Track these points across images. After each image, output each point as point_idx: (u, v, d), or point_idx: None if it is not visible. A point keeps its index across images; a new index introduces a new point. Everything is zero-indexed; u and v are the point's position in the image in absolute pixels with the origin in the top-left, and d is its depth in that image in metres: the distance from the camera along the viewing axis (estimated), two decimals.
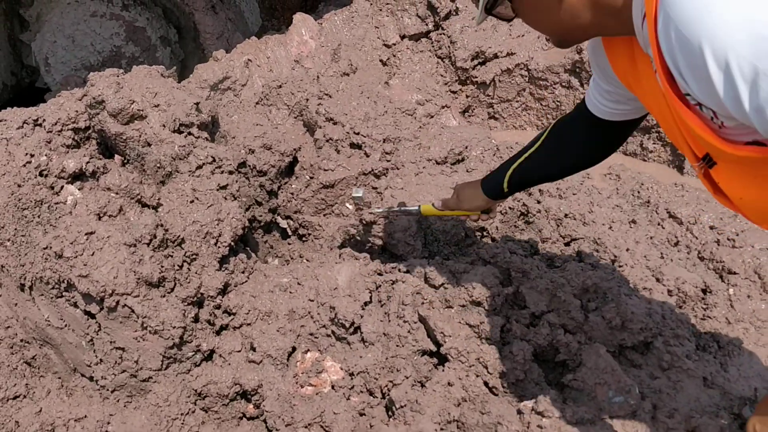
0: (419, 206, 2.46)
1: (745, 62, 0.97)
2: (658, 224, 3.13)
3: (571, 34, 1.40)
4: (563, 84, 4.02)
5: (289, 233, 3.07)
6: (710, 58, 1.00)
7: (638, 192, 3.30)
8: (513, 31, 4.20)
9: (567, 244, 2.85)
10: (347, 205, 3.04)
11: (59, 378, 2.35)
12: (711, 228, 3.04)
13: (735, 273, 2.80)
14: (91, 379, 2.31)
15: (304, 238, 3.04)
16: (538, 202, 2.95)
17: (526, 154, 2.04)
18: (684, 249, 2.96)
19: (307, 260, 2.83)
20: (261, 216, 2.94)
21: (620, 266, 2.72)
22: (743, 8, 0.97)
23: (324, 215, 3.03)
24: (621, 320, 2.43)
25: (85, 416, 2.20)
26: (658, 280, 2.70)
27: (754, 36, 0.96)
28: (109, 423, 2.22)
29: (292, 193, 3.01)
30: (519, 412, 2.18)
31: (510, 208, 2.86)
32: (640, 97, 1.44)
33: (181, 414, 2.22)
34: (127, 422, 2.21)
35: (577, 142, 1.91)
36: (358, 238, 2.90)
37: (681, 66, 1.07)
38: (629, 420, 2.23)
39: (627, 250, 2.80)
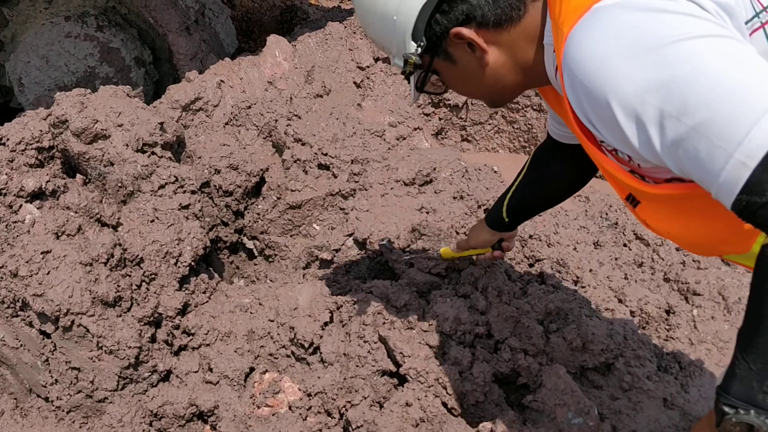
0: (439, 251, 2.60)
1: (651, 108, 1.01)
2: (625, 245, 3.15)
3: (501, 95, 1.47)
4: (534, 107, 4.06)
5: (256, 254, 3.07)
6: (618, 109, 1.04)
7: (606, 214, 3.32)
8: None
9: (531, 265, 2.86)
10: (314, 226, 3.04)
11: (15, 399, 2.32)
12: (677, 249, 3.07)
13: (699, 294, 2.82)
14: (46, 399, 2.29)
15: (270, 259, 3.03)
16: None
17: (516, 182, 2.09)
18: (648, 270, 2.97)
19: (271, 281, 2.83)
20: (227, 236, 2.93)
21: (583, 287, 2.73)
22: (640, 58, 1.01)
23: (291, 236, 3.03)
24: (582, 342, 2.43)
25: None
26: (620, 301, 2.71)
27: (656, 83, 1.00)
28: None
29: (258, 214, 3.01)
30: None
31: None
32: (573, 133, 1.49)
33: None
34: None
35: (551, 167, 1.98)
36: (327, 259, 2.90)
37: (592, 118, 1.11)
38: None
39: (590, 271, 2.81)
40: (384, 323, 2.38)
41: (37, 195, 2.36)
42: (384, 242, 2.78)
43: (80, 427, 2.25)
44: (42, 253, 2.18)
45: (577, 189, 2.04)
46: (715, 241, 1.25)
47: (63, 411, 2.26)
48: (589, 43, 1.06)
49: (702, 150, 0.99)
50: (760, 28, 1.10)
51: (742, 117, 0.95)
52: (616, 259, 2.99)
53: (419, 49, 1.38)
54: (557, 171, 1.98)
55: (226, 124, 3.36)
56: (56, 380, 2.24)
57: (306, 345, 2.33)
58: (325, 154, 3.08)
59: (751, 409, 1.03)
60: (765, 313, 1.01)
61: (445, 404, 2.22)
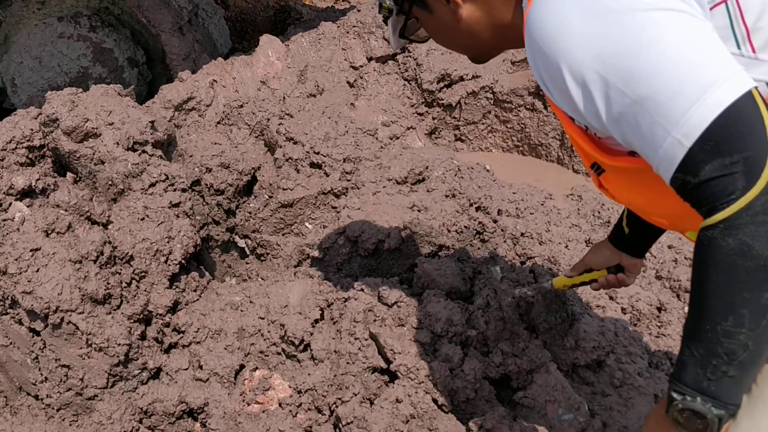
0: (551, 281, 2.28)
1: (597, 77, 1.02)
2: None
3: (479, 51, 1.46)
4: (527, 106, 4.06)
5: (248, 253, 3.06)
6: (567, 74, 1.06)
7: (599, 212, 3.33)
8: None
9: (522, 263, 2.86)
10: (306, 224, 3.04)
11: (5, 397, 2.31)
12: (669, 247, 3.07)
13: None
14: (36, 397, 2.28)
15: (262, 258, 3.03)
16: (495, 221, 2.97)
17: None
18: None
19: (263, 279, 2.83)
20: (218, 235, 2.93)
21: None
22: (593, 26, 1.02)
23: (282, 234, 3.03)
24: (574, 339, 2.44)
25: None
26: (611, 298, 2.72)
27: (605, 52, 1.01)
28: None
29: (250, 213, 3.01)
30: (468, 429, 2.17)
31: (465, 227, 2.87)
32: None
33: (124, 431, 2.20)
34: None
35: None
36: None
37: (547, 82, 1.13)
38: None
39: None
40: (375, 320, 2.38)
41: (27, 193, 2.36)
42: (495, 268, 2.52)
43: (70, 425, 2.25)
44: (31, 250, 2.18)
45: None
46: (672, 216, 1.26)
47: (53, 409, 2.26)
48: (549, 7, 1.07)
49: (643, 125, 1.00)
50: (721, 3, 1.08)
51: (682, 95, 0.96)
52: None
53: None
54: None
55: (218, 123, 3.35)
56: (46, 378, 2.24)
57: (296, 342, 2.33)
58: (317, 153, 3.08)
59: (698, 396, 1.04)
60: (703, 300, 1.01)
61: (435, 401, 2.22)
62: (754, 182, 0.93)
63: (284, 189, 3.00)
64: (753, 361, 1.00)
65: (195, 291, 2.51)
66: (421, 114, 4.24)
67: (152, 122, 2.64)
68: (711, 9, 1.07)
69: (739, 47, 1.08)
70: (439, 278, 2.52)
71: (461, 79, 4.14)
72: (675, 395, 1.06)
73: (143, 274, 2.36)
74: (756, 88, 0.97)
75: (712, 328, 0.99)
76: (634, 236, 1.86)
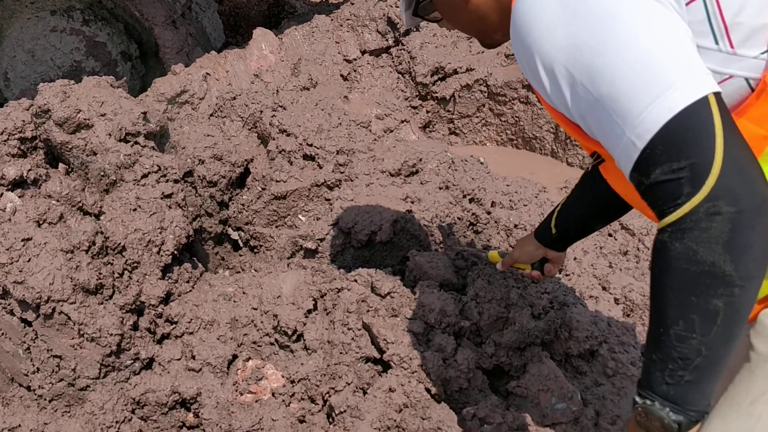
0: (488, 253, 2.47)
1: (564, 71, 1.04)
2: (610, 235, 3.15)
3: (488, 34, 1.46)
4: (521, 99, 4.06)
5: (241, 245, 3.06)
6: (540, 65, 1.08)
7: None
8: (472, 47, 4.25)
9: None
10: (300, 217, 3.03)
11: None
12: None
13: None
14: (28, 388, 2.27)
15: (255, 250, 3.02)
16: (488, 213, 2.96)
17: (568, 195, 1.91)
18: (633, 259, 2.98)
19: (256, 270, 2.82)
20: (211, 227, 2.93)
21: (567, 275, 2.73)
22: (566, 19, 1.03)
23: (276, 227, 3.03)
24: (567, 329, 2.44)
25: (19, 425, 2.17)
26: (604, 288, 2.72)
27: (573, 47, 1.02)
28: (42, 431, 2.18)
29: (243, 205, 3.00)
30: (461, 418, 2.17)
31: (459, 218, 2.87)
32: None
33: (116, 422, 2.18)
34: (61, 430, 2.17)
35: (594, 183, 1.75)
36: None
37: (526, 71, 1.14)
38: (572, 426, 2.23)
39: (574, 259, 2.81)
40: (368, 311, 2.38)
41: (19, 183, 2.35)
42: (444, 225, 2.77)
43: (62, 416, 2.24)
44: (23, 240, 2.17)
45: (615, 213, 1.80)
46: None
47: (45, 400, 2.25)
48: None
49: (604, 122, 1.02)
50: None
51: (639, 96, 0.97)
52: (600, 248, 3.00)
53: None
54: (599, 188, 1.71)
55: (211, 115, 3.35)
56: (38, 369, 2.23)
57: (289, 332, 2.32)
58: (311, 145, 3.08)
59: (656, 400, 1.04)
60: (657, 304, 1.02)
61: (428, 390, 2.22)
62: (699, 189, 0.93)
63: (277, 181, 3.00)
64: (710, 367, 1.00)
65: (188, 282, 2.51)
66: (415, 107, 4.24)
67: (144, 113, 2.63)
68: (687, 5, 1.07)
69: (716, 42, 1.08)
70: (431, 270, 2.52)
71: (455, 72, 4.15)
72: (637, 399, 1.08)
73: (135, 264, 2.35)
74: (717, 93, 0.97)
75: (666, 331, 1.00)
76: (560, 237, 1.93)
